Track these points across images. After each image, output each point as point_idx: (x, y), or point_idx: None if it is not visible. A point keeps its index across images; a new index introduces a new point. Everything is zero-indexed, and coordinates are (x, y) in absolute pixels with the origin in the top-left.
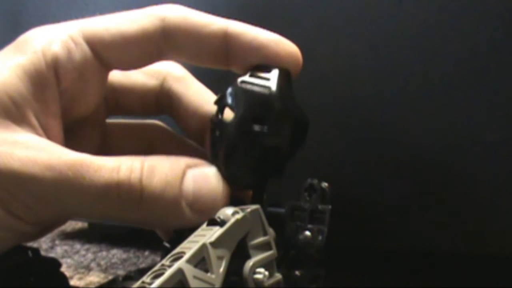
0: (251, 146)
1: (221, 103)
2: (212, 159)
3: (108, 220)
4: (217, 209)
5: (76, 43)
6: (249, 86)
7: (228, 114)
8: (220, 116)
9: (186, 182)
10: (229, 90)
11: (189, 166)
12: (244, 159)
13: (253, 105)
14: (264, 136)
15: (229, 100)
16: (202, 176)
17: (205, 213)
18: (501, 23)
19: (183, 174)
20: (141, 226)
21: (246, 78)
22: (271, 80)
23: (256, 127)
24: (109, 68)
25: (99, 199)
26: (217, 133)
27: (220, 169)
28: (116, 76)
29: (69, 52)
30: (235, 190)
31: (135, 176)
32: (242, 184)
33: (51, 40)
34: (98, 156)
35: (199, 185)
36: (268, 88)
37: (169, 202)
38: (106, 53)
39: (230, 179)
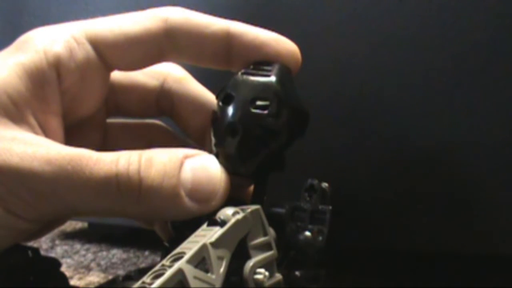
0: (250, 128)
1: (222, 93)
2: (212, 150)
3: (108, 215)
4: (216, 197)
5: (78, 43)
6: (250, 76)
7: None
8: (221, 104)
9: (184, 172)
10: (231, 80)
11: (187, 156)
12: (243, 142)
13: (253, 89)
14: (264, 118)
15: (230, 88)
16: (201, 165)
17: (204, 202)
18: (501, 23)
19: (181, 164)
20: (142, 219)
21: (248, 70)
22: (272, 71)
23: (256, 110)
24: (111, 68)
25: (99, 192)
26: (218, 121)
27: (220, 158)
28: (117, 77)
29: (71, 51)
30: (235, 183)
31: (133, 168)
32: (241, 172)
33: (53, 39)
34: (97, 152)
35: (197, 174)
36: (269, 76)
37: (168, 192)
38: (109, 53)
39: (229, 166)
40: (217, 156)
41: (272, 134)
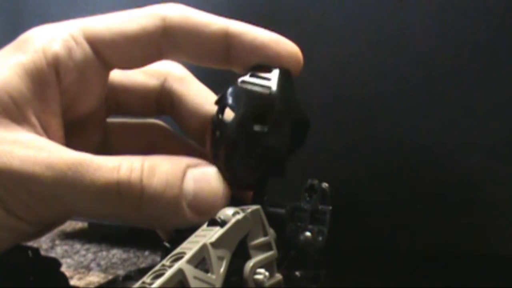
0: (251, 146)
1: (221, 103)
2: (213, 160)
3: (108, 220)
4: (217, 209)
5: (77, 42)
6: (249, 86)
7: (229, 114)
8: (220, 116)
9: (187, 182)
10: (230, 90)
11: (189, 166)
12: (244, 159)
13: (254, 105)
14: (264, 136)
15: (230, 100)
16: (203, 176)
17: (205, 214)
18: (501, 23)
19: (184, 174)
20: (142, 225)
21: (247, 78)
22: (271, 80)
23: (256, 127)
24: (110, 67)
25: (99, 198)
26: (218, 133)
27: (220, 170)
28: (116, 76)
29: (70, 51)
30: (236, 191)
31: (135, 175)
32: (243, 184)
33: (52, 39)
34: (98, 156)
35: (199, 185)
36: (269, 88)
37: (169, 202)
38: (107, 52)
39: (230, 179)
40: (218, 166)
41: (272, 149)
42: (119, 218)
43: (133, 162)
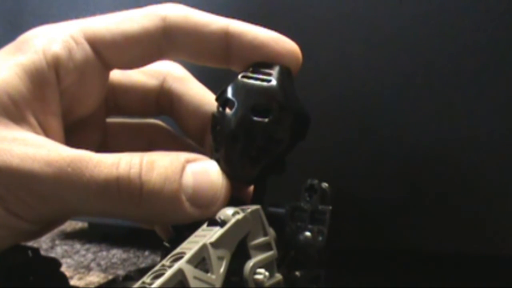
0: (252, 136)
1: (221, 98)
2: (212, 155)
3: (108, 217)
4: (217, 203)
5: (77, 43)
6: (250, 80)
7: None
8: (221, 110)
9: (186, 177)
10: (231, 85)
11: (188, 161)
12: (244, 151)
13: (254, 96)
14: (265, 127)
15: (230, 94)
16: (202, 170)
17: (205, 208)
18: (501, 23)
19: (183, 168)
20: (142, 222)
21: (248, 73)
22: (272, 74)
23: (257, 118)
24: (110, 67)
25: (99, 195)
26: (218, 127)
27: (220, 164)
28: (116, 76)
29: (70, 51)
30: (236, 186)
31: (134, 171)
32: (243, 178)
33: (52, 39)
34: (98, 153)
35: (199, 179)
36: (269, 81)
37: (168, 196)
38: (107, 52)
39: (230, 172)
40: (217, 161)
41: (273, 141)
42: (119, 215)
43: (132, 158)
